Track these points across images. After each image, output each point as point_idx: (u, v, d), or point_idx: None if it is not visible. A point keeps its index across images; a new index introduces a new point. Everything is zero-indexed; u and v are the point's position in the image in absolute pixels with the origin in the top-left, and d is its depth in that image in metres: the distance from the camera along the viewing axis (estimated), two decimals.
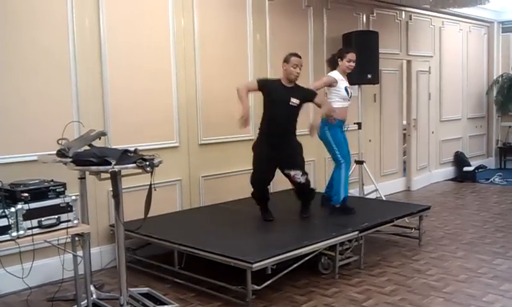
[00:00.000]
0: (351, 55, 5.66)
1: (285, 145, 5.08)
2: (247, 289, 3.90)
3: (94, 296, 3.99)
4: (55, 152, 3.58)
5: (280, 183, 5.85)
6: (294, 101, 5.08)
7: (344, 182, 5.51)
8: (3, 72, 4.45)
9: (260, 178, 5.19)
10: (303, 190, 5.28)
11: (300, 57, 5.17)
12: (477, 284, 4.46)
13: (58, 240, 3.51)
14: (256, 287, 3.95)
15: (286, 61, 5.13)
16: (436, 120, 9.87)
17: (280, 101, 5.04)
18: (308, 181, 5.23)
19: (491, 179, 9.80)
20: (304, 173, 5.15)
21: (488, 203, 7.94)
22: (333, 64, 5.75)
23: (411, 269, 4.86)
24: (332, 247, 4.62)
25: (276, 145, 5.04)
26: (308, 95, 5.24)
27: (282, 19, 6.79)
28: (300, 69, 5.14)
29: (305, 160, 5.31)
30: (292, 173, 5.10)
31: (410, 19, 8.97)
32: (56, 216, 3.35)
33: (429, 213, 6.04)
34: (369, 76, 7.32)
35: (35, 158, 4.17)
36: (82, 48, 4.92)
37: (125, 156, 3.40)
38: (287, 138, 5.13)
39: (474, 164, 10.42)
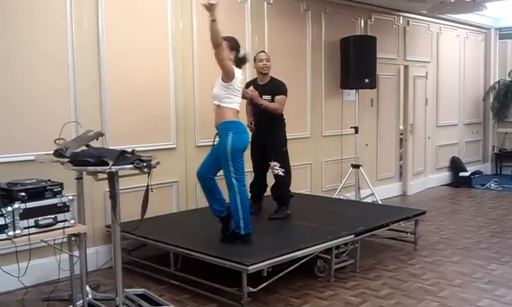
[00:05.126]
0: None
1: (265, 139, 5.36)
2: (242, 291, 3.91)
3: (90, 296, 3.99)
4: (52, 152, 3.59)
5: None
6: (266, 97, 5.34)
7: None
8: (1, 73, 4.46)
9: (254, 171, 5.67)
10: (280, 185, 5.41)
11: (264, 52, 5.62)
12: (472, 289, 4.48)
13: (54, 239, 3.50)
14: (251, 289, 3.95)
15: (254, 60, 5.52)
16: (433, 125, 9.90)
17: None
18: (286, 178, 5.41)
19: (487, 185, 9.82)
20: (283, 167, 5.36)
21: (483, 209, 7.96)
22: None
23: (407, 273, 4.88)
24: (328, 251, 4.63)
25: (259, 139, 5.35)
26: (277, 90, 5.40)
27: (281, 22, 6.81)
28: (267, 61, 5.42)
29: (301, 163, 5.38)
30: (272, 163, 5.37)
31: (408, 24, 9.00)
32: (53, 216, 3.35)
33: (424, 217, 6.06)
34: (367, 80, 7.37)
35: (32, 158, 4.17)
36: (81, 50, 4.93)
37: (122, 157, 3.40)
38: (269, 133, 5.37)
39: (470, 169, 10.45)
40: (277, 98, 5.35)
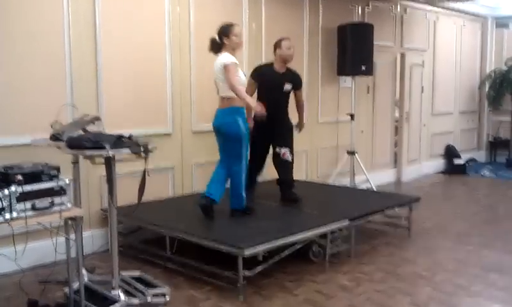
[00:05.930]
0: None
1: (277, 126, 5.33)
2: (238, 275, 3.94)
3: (86, 279, 4.01)
4: (49, 136, 3.60)
5: (272, 170, 5.86)
6: (288, 87, 5.38)
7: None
8: None
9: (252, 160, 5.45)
10: (291, 170, 5.52)
11: (290, 39, 5.53)
12: (465, 274, 4.53)
13: (51, 223, 3.52)
14: (247, 273, 3.99)
15: (278, 46, 5.40)
16: (428, 113, 9.92)
17: (274, 87, 5.12)
18: (292, 164, 5.53)
19: (481, 172, 9.88)
20: (292, 153, 5.48)
21: (477, 196, 8.02)
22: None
23: (400, 258, 4.92)
24: (323, 236, 4.67)
25: (269, 127, 5.21)
26: (297, 82, 5.52)
27: (278, 9, 6.80)
28: (293, 50, 5.46)
29: (297, 149, 5.48)
30: (282, 150, 5.42)
31: (405, 12, 8.99)
32: (50, 199, 3.35)
33: (418, 204, 6.09)
34: (363, 67, 7.37)
35: (29, 142, 4.17)
36: (77, 34, 4.92)
37: (119, 141, 3.41)
38: (280, 121, 5.40)
39: (465, 157, 10.50)
40: (298, 93, 5.58)
